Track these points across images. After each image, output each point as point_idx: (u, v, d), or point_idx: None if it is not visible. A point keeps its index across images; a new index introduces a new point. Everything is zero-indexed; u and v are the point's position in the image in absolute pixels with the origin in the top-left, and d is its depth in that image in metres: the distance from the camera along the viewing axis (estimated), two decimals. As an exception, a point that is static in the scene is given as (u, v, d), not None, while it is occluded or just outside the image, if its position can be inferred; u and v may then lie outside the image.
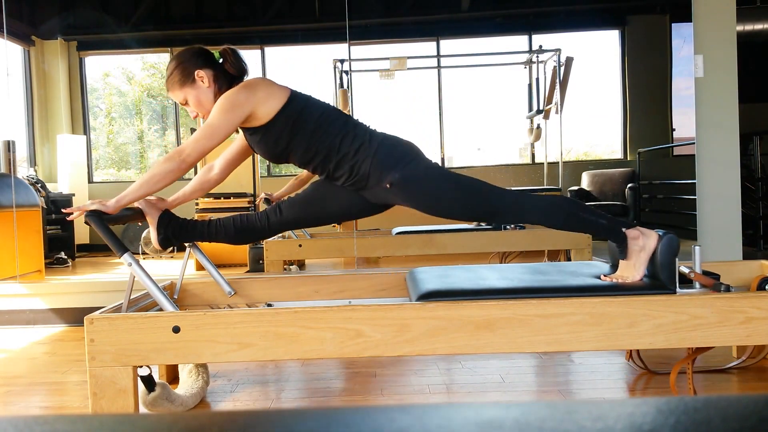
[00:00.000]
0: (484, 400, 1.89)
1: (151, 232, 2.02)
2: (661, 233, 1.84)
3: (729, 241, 3.41)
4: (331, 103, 2.04)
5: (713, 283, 1.77)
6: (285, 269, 3.76)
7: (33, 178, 4.91)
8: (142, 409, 1.76)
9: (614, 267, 1.99)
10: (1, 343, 3.01)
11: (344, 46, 4.10)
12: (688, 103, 3.51)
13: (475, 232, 3.84)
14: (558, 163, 5.05)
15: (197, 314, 1.66)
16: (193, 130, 4.96)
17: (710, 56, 3.40)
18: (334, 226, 4.46)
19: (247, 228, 2.07)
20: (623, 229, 1.87)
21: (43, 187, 4.96)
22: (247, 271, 4.19)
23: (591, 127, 5.60)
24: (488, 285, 1.87)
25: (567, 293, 1.76)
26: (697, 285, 1.80)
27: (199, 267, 4.07)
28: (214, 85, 1.94)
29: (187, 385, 2.03)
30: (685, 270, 1.83)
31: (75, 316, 3.29)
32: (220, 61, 1.97)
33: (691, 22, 3.43)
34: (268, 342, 1.65)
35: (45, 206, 4.68)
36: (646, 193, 5.20)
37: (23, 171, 5.12)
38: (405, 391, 2.08)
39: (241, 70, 1.97)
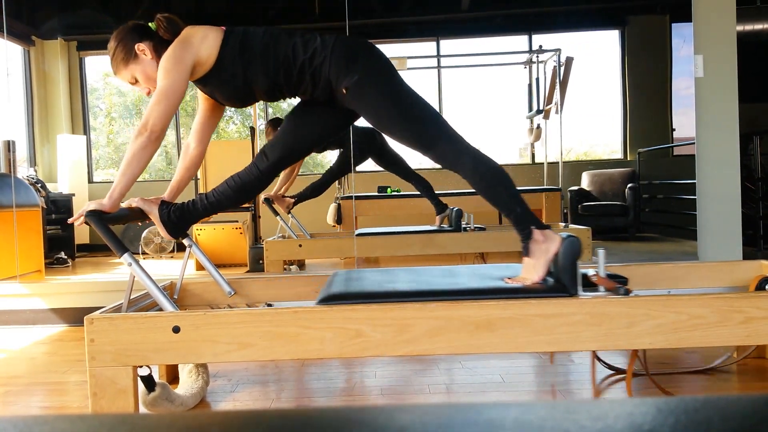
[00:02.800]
0: (484, 400, 1.89)
1: (158, 227, 2.03)
2: (564, 236, 1.83)
3: (729, 241, 3.41)
4: None
5: (614, 286, 1.77)
6: (285, 269, 3.76)
7: (33, 178, 4.91)
8: (142, 409, 1.76)
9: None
10: (1, 343, 3.00)
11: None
12: (688, 103, 3.51)
13: (476, 232, 3.84)
14: (558, 163, 5.05)
15: (197, 314, 1.66)
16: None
17: (710, 56, 3.40)
18: (334, 226, 4.46)
19: (242, 185, 2.06)
20: (531, 227, 1.85)
21: (43, 187, 4.96)
22: (247, 271, 4.19)
23: (591, 127, 5.59)
24: (391, 288, 1.85)
25: (467, 296, 1.75)
26: (602, 288, 1.80)
27: (199, 267, 4.07)
28: (156, 55, 1.93)
29: (187, 385, 2.03)
30: (590, 273, 1.83)
31: (75, 316, 3.29)
32: (157, 31, 1.97)
33: (691, 22, 3.43)
34: (268, 342, 1.65)
35: (45, 206, 4.68)
36: (646, 193, 5.20)
37: (23, 171, 5.12)
38: (405, 391, 2.08)
39: (176, 33, 1.94)
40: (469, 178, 1.88)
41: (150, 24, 1.97)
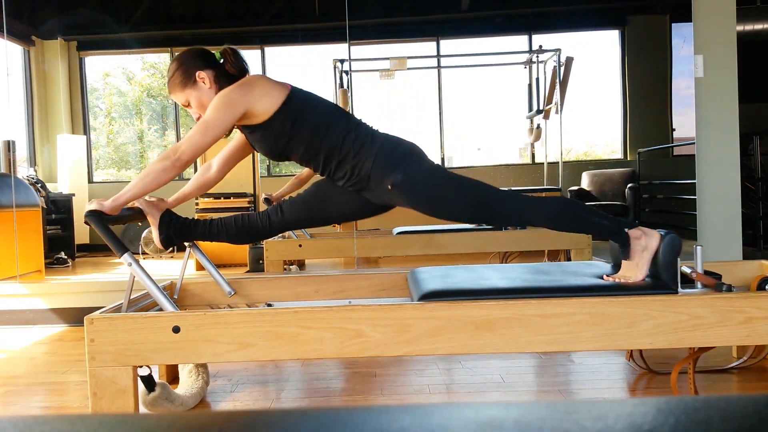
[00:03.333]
0: (484, 400, 1.89)
1: (153, 232, 2.03)
2: (663, 233, 1.84)
3: (729, 241, 3.41)
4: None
5: (715, 283, 1.77)
6: (285, 269, 3.76)
7: (33, 178, 4.91)
8: (142, 409, 1.76)
9: (616, 267, 1.99)
10: (1, 343, 3.00)
11: (344, 46, 4.10)
12: (688, 103, 3.51)
13: (475, 232, 3.84)
14: (558, 163, 5.04)
15: (197, 314, 1.66)
16: (193, 130, 4.95)
17: (710, 56, 3.40)
18: (334, 226, 4.46)
19: (248, 228, 2.07)
20: (626, 230, 1.87)
21: (43, 187, 4.96)
22: (247, 271, 4.19)
23: (591, 127, 5.60)
24: (490, 285, 1.86)
25: (569, 293, 1.75)
26: (699, 285, 1.80)
27: (199, 267, 4.07)
28: (215, 85, 1.93)
29: (187, 385, 2.03)
30: (687, 270, 1.83)
31: (75, 316, 3.29)
32: (221, 61, 1.97)
33: (691, 22, 3.43)
34: (268, 342, 1.65)
35: (45, 206, 4.68)
36: (646, 193, 5.20)
37: (23, 171, 5.12)
38: (405, 391, 2.08)
39: (241, 69, 1.95)
40: (543, 226, 1.93)
41: (215, 52, 1.96)
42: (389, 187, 1.88)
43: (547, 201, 1.92)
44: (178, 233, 2.04)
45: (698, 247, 1.82)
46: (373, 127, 1.97)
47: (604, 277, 1.92)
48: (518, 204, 1.89)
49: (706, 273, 1.83)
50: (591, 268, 2.08)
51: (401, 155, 1.89)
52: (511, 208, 1.89)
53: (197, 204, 4.62)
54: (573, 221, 1.89)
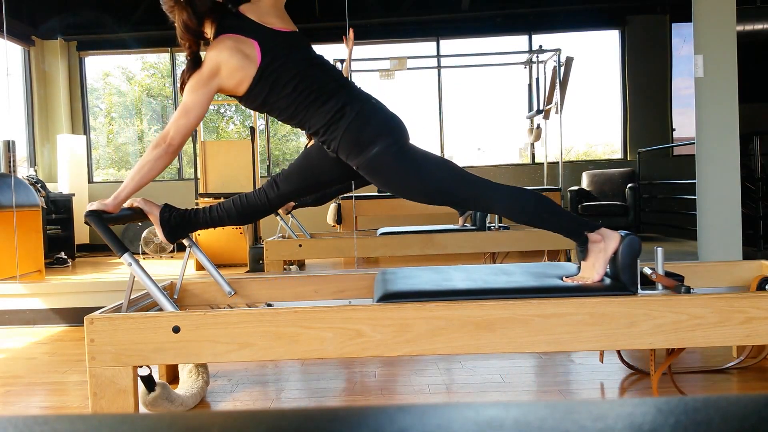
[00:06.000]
0: (484, 400, 1.88)
1: (156, 230, 2.04)
2: (623, 234, 1.84)
3: (729, 241, 3.41)
4: None
5: (675, 284, 1.77)
6: (285, 269, 3.76)
7: (33, 178, 4.91)
8: (142, 409, 1.76)
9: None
10: (1, 343, 3.00)
11: (344, 46, 4.10)
12: (688, 103, 3.51)
13: (475, 232, 3.84)
14: (558, 163, 5.04)
15: (197, 314, 1.66)
16: (193, 130, 4.96)
17: (710, 56, 3.40)
18: (334, 226, 4.47)
19: (248, 208, 2.08)
20: (585, 232, 1.86)
21: (43, 187, 4.96)
22: (247, 271, 4.19)
23: (591, 127, 5.60)
24: (450, 286, 1.86)
25: (526, 294, 1.76)
26: (660, 286, 1.80)
27: (199, 267, 4.07)
28: (211, 30, 1.88)
29: (187, 385, 2.03)
30: (648, 271, 1.83)
31: (75, 316, 3.29)
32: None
33: (691, 22, 3.42)
34: (268, 342, 1.65)
35: (45, 206, 4.68)
36: (646, 193, 5.20)
37: (23, 171, 5.12)
38: (405, 391, 2.08)
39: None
40: (507, 216, 1.91)
41: None
42: (355, 167, 1.90)
43: (514, 194, 1.88)
44: (180, 226, 2.04)
45: (659, 249, 1.82)
46: (348, 95, 1.90)
47: (564, 278, 1.92)
48: (483, 194, 1.87)
49: (668, 274, 1.83)
50: (556, 270, 2.07)
51: (368, 137, 1.86)
52: (476, 198, 1.87)
53: (197, 204, 4.62)
54: (536, 217, 1.88)
